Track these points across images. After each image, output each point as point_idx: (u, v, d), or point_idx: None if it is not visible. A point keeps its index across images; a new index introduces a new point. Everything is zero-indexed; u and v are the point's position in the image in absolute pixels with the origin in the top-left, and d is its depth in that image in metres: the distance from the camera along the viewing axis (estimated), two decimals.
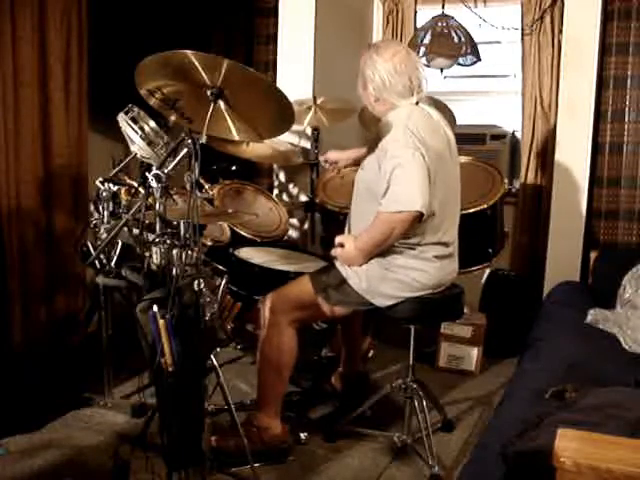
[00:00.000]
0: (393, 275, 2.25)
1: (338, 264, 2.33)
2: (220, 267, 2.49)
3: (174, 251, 1.87)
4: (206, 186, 3.15)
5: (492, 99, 4.11)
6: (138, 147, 2.26)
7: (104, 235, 2.26)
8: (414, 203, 2.10)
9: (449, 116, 3.49)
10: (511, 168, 3.99)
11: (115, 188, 2.35)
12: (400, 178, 2.12)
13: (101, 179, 2.38)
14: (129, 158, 2.42)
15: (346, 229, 2.43)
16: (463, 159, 3.23)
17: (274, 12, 3.88)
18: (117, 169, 2.44)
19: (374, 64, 2.24)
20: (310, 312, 2.36)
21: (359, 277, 2.27)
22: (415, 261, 2.25)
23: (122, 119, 2.27)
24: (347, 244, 2.28)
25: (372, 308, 2.31)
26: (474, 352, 3.24)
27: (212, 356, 2.13)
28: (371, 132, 2.65)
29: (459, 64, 3.38)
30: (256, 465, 2.20)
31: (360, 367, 2.96)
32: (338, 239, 2.34)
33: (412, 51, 2.38)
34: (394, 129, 2.20)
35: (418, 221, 2.15)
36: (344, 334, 2.86)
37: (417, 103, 2.28)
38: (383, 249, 2.23)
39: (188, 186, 1.84)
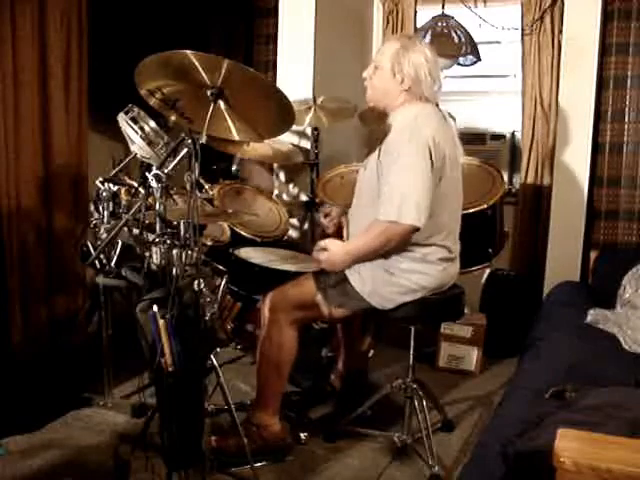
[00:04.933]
0: (396, 279, 2.24)
1: None
2: (220, 267, 2.49)
3: (174, 251, 1.87)
4: (206, 186, 3.14)
5: (492, 99, 4.10)
6: (138, 147, 2.26)
7: (104, 235, 2.26)
8: (412, 218, 2.08)
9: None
10: (511, 168, 3.99)
11: (115, 188, 2.35)
12: (402, 180, 2.10)
13: (101, 179, 2.38)
14: (129, 158, 2.42)
15: (345, 229, 2.43)
16: (463, 159, 3.24)
17: (274, 12, 3.87)
18: (117, 169, 2.45)
19: (419, 56, 2.19)
20: (311, 312, 2.35)
21: (363, 279, 2.26)
22: (419, 265, 2.24)
23: (122, 119, 2.27)
24: (332, 248, 2.25)
25: (371, 309, 2.31)
26: (474, 352, 3.25)
27: (212, 356, 2.13)
28: (372, 130, 2.63)
29: (459, 64, 3.38)
30: (256, 465, 2.20)
31: (360, 365, 2.96)
32: (321, 243, 2.30)
33: None
34: (402, 126, 2.18)
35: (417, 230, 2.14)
36: (343, 333, 2.86)
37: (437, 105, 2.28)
38: (375, 256, 2.22)
39: (188, 186, 1.84)
